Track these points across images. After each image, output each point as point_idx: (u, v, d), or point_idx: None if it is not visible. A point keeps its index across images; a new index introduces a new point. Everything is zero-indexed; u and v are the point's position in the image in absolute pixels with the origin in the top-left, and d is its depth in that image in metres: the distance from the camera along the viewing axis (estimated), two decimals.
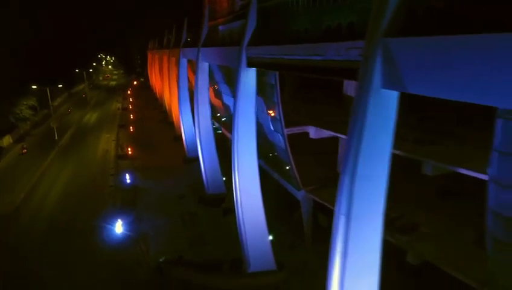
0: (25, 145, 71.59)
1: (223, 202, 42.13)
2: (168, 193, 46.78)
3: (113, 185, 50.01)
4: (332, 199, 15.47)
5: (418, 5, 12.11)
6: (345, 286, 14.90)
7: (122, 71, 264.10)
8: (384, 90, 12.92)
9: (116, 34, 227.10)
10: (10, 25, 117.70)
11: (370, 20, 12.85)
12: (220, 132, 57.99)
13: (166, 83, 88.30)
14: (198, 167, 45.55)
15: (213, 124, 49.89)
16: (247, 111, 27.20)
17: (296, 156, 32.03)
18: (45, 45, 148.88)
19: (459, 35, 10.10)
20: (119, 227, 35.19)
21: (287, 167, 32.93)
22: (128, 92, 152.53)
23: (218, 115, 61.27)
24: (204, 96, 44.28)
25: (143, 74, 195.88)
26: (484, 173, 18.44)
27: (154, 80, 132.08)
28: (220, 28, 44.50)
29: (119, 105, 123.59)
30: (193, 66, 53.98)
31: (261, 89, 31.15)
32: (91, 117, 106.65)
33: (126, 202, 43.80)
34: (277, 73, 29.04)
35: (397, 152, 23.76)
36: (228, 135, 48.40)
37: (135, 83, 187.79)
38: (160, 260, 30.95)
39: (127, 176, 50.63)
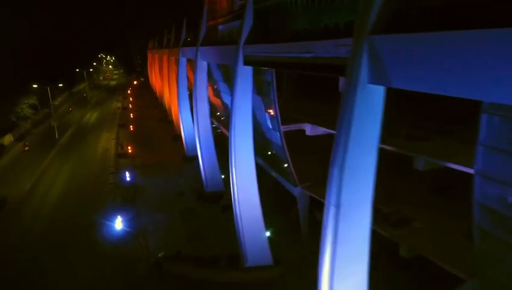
0: (27, 143, 72.51)
1: (221, 199, 42.68)
2: (167, 190, 47.29)
3: (113, 183, 50.57)
4: None
5: (402, 4, 12.71)
6: (335, 272, 15.49)
7: (122, 71, 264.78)
8: (370, 85, 13.52)
9: (116, 34, 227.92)
10: (10, 25, 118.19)
11: (357, 18, 13.47)
12: (220, 130, 58.50)
13: (166, 82, 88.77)
14: (198, 165, 46.18)
15: (212, 123, 50.37)
16: (244, 108, 27.79)
17: (292, 153, 32.53)
18: (45, 45, 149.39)
19: (439, 32, 10.69)
20: (118, 223, 35.84)
21: (284, 164, 33.48)
22: (128, 91, 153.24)
23: (218, 113, 61.78)
24: (203, 94, 44.84)
25: (143, 73, 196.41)
26: (472, 167, 18.98)
27: (154, 79, 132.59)
28: (220, 27, 44.92)
29: (119, 104, 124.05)
30: (192, 65, 54.42)
31: (258, 87, 31.71)
32: (91, 116, 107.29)
33: (126, 200, 44.38)
34: (273, 71, 29.57)
35: (388, 148, 24.41)
36: (227, 133, 48.85)
37: (135, 82, 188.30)
38: (159, 255, 31.56)
39: (127, 174, 51.22)
